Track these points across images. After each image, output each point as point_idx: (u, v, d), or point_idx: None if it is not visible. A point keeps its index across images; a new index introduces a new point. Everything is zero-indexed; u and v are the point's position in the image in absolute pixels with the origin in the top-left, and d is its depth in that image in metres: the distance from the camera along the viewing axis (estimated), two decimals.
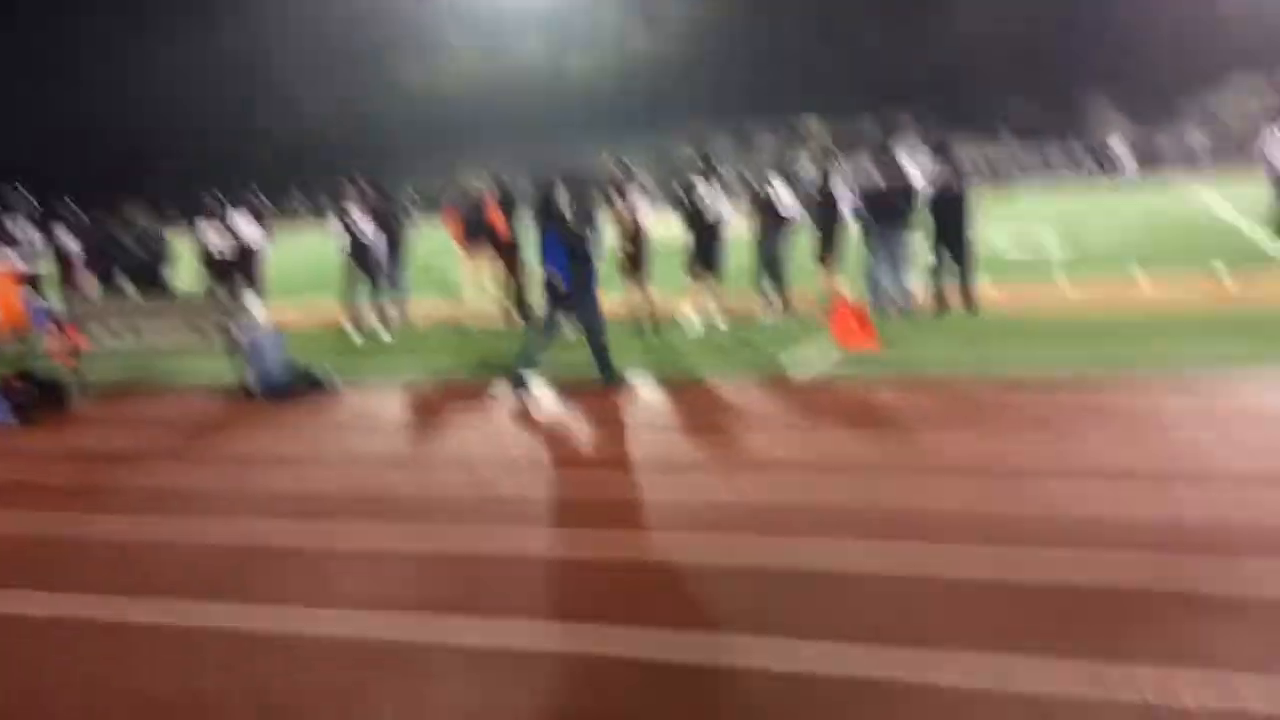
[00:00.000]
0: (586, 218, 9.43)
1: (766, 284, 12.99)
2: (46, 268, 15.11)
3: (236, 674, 4.14)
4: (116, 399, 10.31)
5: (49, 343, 10.29)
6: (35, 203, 15.30)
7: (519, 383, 9.10)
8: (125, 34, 64.06)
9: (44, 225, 15.26)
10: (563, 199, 9.23)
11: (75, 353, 10.12)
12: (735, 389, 9.10)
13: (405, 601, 4.79)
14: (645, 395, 9.06)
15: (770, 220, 12.90)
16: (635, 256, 12.71)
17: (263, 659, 4.27)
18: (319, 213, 36.01)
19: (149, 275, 14.54)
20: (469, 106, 72.24)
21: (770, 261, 12.94)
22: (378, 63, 74.07)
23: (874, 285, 12.78)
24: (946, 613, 4.32)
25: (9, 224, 14.88)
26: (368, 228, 13.64)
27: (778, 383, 9.26)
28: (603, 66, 73.17)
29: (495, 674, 4.01)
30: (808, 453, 6.94)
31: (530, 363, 9.18)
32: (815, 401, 8.42)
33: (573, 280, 9.11)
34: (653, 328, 12.56)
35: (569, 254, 9.08)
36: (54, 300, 11.55)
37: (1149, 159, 41.01)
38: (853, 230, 13.03)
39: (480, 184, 14.19)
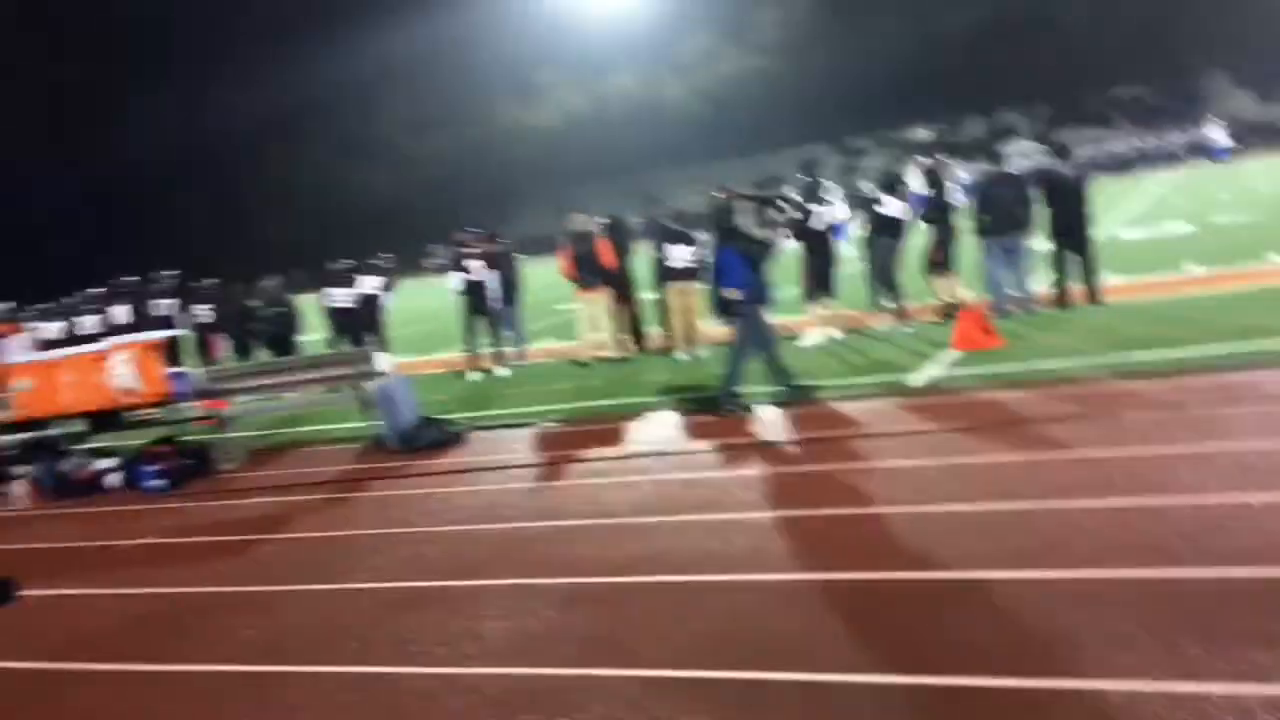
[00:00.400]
0: (766, 234, 9.51)
1: (882, 294, 12.83)
2: (184, 337, 15.80)
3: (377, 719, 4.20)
4: (259, 461, 10.67)
5: (190, 409, 10.71)
6: (175, 276, 16.02)
7: (731, 404, 9.12)
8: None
9: (181, 296, 15.96)
10: (744, 216, 9.29)
11: (216, 418, 10.51)
12: (881, 402, 8.96)
13: (547, 649, 4.80)
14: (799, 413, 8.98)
15: (881, 230, 12.73)
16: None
17: (411, 708, 4.31)
18: (430, 261, 36.79)
19: (280, 338, 15.14)
20: (571, 143, 73.35)
21: (883, 271, 12.76)
22: (482, 109, 75.73)
23: (994, 286, 12.49)
24: None
25: (150, 300, 15.62)
26: (483, 272, 13.89)
27: (912, 392, 9.08)
28: (701, 91, 73.35)
29: None
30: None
31: (737, 381, 9.23)
32: (966, 409, 8.22)
33: (751, 295, 9.14)
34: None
35: (751, 268, 9.12)
36: (192, 367, 12.07)
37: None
38: (968, 233, 12.80)
39: (587, 219, 14.33)
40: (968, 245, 12.93)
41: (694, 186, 62.85)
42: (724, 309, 9.38)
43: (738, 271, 9.17)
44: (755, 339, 9.43)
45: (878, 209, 12.67)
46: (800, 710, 3.82)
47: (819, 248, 12.73)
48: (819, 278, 12.70)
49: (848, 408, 9.07)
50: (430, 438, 9.90)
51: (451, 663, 4.72)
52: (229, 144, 65.25)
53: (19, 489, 10.10)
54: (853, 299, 13.77)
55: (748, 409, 9.22)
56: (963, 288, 12.85)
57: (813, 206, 12.68)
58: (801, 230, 12.68)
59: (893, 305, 12.78)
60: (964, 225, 12.87)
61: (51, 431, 10.76)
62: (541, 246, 51.05)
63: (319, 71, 64.39)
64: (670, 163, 70.73)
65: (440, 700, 4.35)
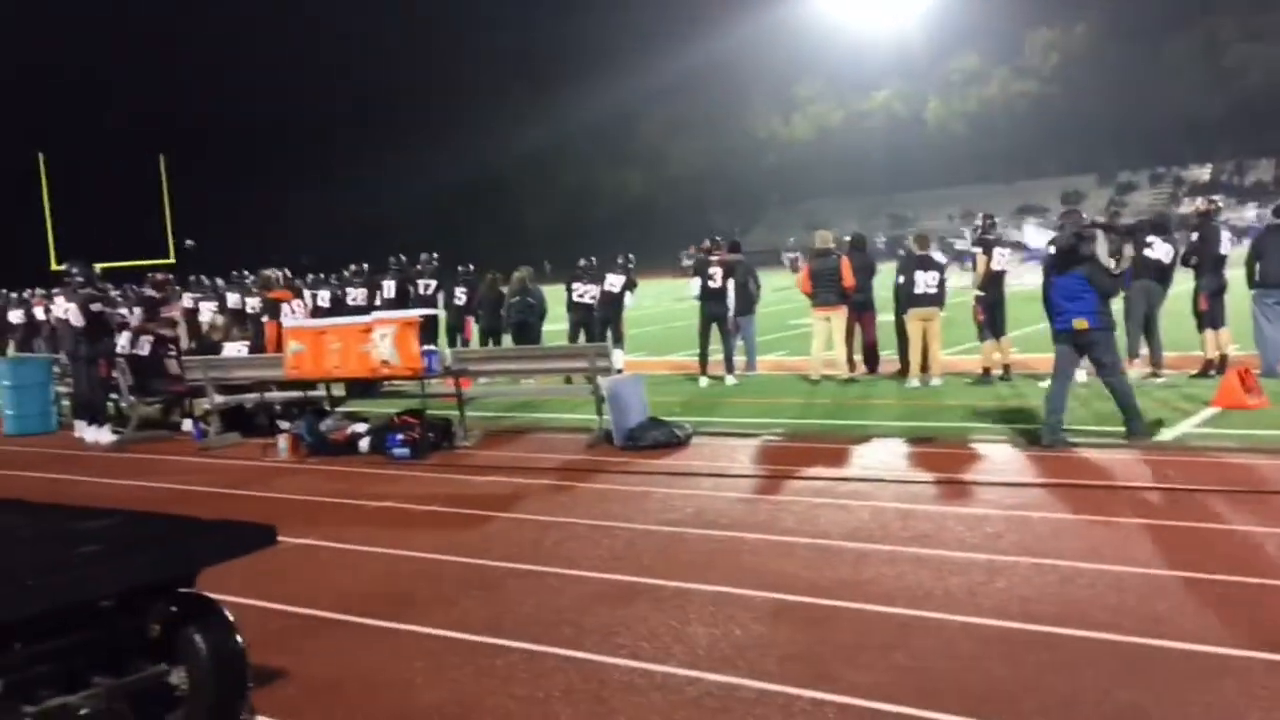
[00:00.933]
0: (1113, 261, 9.35)
1: (1140, 341, 12.15)
2: (439, 317, 16.78)
3: (592, 707, 4.38)
4: (494, 441, 11.23)
5: (437, 386, 11.41)
6: (434, 260, 17.04)
7: (1054, 437, 9.00)
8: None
9: (439, 279, 16.94)
10: (1099, 245, 9.16)
11: (459, 396, 11.14)
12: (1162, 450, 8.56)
13: (743, 654, 4.88)
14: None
15: (1145, 273, 12.04)
16: (994, 304, 12.62)
17: (614, 697, 4.49)
18: (675, 265, 37.43)
19: (526, 326, 15.84)
20: (822, 157, 72.81)
21: (1143, 317, 12.08)
22: (736, 117, 76.27)
23: (1262, 343, 11.64)
24: None
25: (413, 280, 16.69)
26: (722, 280, 14.07)
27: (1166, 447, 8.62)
28: (963, 112, 71.24)
29: None
30: None
31: (1060, 411, 9.09)
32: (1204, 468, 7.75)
33: (1100, 325, 8.98)
34: (1004, 377, 12.42)
35: (1100, 298, 8.96)
36: (443, 347, 12.85)
37: None
38: (1237, 284, 11.97)
39: (830, 235, 14.27)
40: (1239, 297, 12.10)
41: (945, 210, 61.25)
42: (1063, 336, 9.13)
43: (1088, 299, 8.92)
44: (1067, 371, 9.17)
45: (1146, 251, 11.99)
46: None
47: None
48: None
49: (1087, 455, 8.70)
50: (655, 437, 10.15)
51: (655, 660, 4.87)
52: (517, 151, 69.04)
53: (283, 442, 11.04)
54: None
55: (1069, 444, 8.92)
56: (1230, 342, 12.02)
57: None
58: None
59: (1146, 353, 12.10)
60: (1237, 275, 12.05)
61: (315, 393, 11.71)
62: (781, 259, 50.88)
63: (590, 83, 66.70)
64: (923, 184, 69.08)
65: (642, 694, 4.50)
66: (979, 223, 13.79)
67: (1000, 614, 5.21)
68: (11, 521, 5.01)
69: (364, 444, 10.76)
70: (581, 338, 14.92)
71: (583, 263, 16.08)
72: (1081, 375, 12.04)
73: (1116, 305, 12.09)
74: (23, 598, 3.58)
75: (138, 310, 13.99)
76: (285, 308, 13.77)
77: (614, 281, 15.11)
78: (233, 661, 4.19)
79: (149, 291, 15.37)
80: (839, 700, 4.32)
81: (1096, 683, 4.36)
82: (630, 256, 15.86)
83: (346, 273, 18.17)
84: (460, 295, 16.79)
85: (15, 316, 21.32)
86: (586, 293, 15.26)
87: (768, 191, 76.82)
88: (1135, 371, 11.94)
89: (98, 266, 14.12)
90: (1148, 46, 62.80)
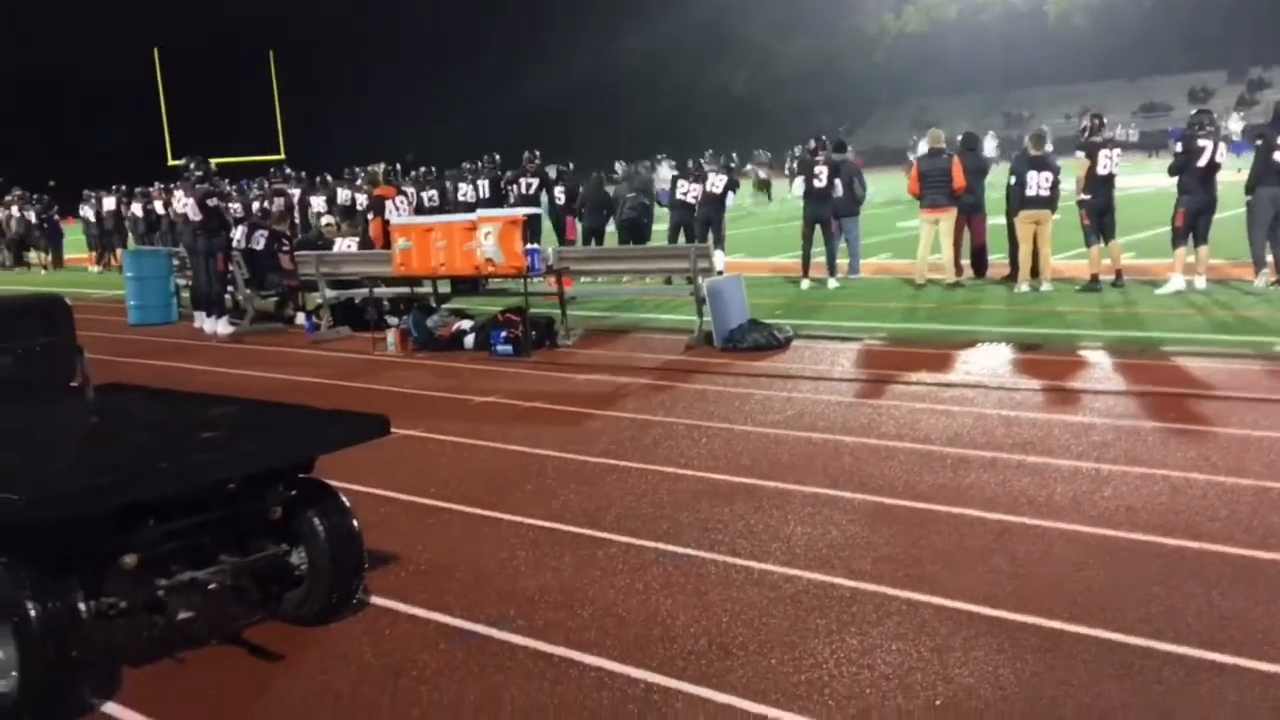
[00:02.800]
0: None
1: (1265, 248, 11.63)
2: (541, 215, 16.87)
3: (690, 599, 4.50)
4: (595, 340, 11.35)
5: (540, 284, 11.51)
6: (536, 158, 17.03)
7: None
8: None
9: (542, 178, 16.95)
10: None
11: (561, 295, 11.25)
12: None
13: (842, 557, 4.93)
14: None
15: (1269, 177, 11.45)
16: (1102, 209, 12.26)
17: (711, 591, 4.59)
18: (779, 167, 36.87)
19: (639, 226, 15.81)
20: (937, 54, 70.24)
21: (1267, 222, 11.53)
22: (845, 12, 73.87)
23: None
24: None
25: (518, 181, 16.73)
26: (827, 181, 13.82)
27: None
28: (1087, 6, 67.78)
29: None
30: None
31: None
32: None
33: None
34: (1115, 283, 12.19)
35: None
36: (548, 246, 12.95)
37: None
38: None
39: (941, 135, 13.86)
40: None
41: (1064, 109, 58.81)
42: None
43: None
44: None
45: (1275, 154, 11.39)
46: (1097, 668, 3.74)
47: (1198, 187, 11.68)
48: (1193, 219, 11.72)
49: (1199, 365, 8.46)
50: (755, 339, 10.14)
51: (752, 557, 4.96)
52: (623, 52, 68.21)
53: (391, 337, 11.33)
54: (1230, 248, 12.65)
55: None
56: None
57: (1202, 142, 11.61)
58: (1184, 164, 11.71)
59: (1272, 261, 11.59)
60: None
61: (422, 289, 11.94)
62: (891, 159, 49.77)
63: None
64: (1042, 82, 66.27)
65: (738, 589, 4.60)
66: (1085, 123, 13.22)
67: (1105, 522, 5.15)
68: (142, 407, 5.28)
69: (469, 340, 10.99)
70: (681, 238, 14.86)
71: (689, 164, 15.96)
72: (1200, 281, 11.67)
73: (1241, 212, 11.64)
74: (155, 479, 3.80)
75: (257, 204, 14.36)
76: (389, 204, 13.99)
77: (715, 182, 14.96)
78: (349, 543, 4.40)
79: (273, 186, 15.72)
80: (935, 601, 4.35)
81: (1201, 593, 4.30)
82: (733, 156, 15.67)
83: (450, 171, 18.30)
84: (559, 194, 16.81)
85: (135, 211, 22.10)
86: (689, 192, 15.15)
87: (876, 90, 74.63)
88: (1261, 280, 11.49)
89: (213, 162, 14.45)
90: None
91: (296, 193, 19.59)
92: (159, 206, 21.46)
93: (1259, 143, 11.50)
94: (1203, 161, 11.58)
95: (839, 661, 3.89)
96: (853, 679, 3.76)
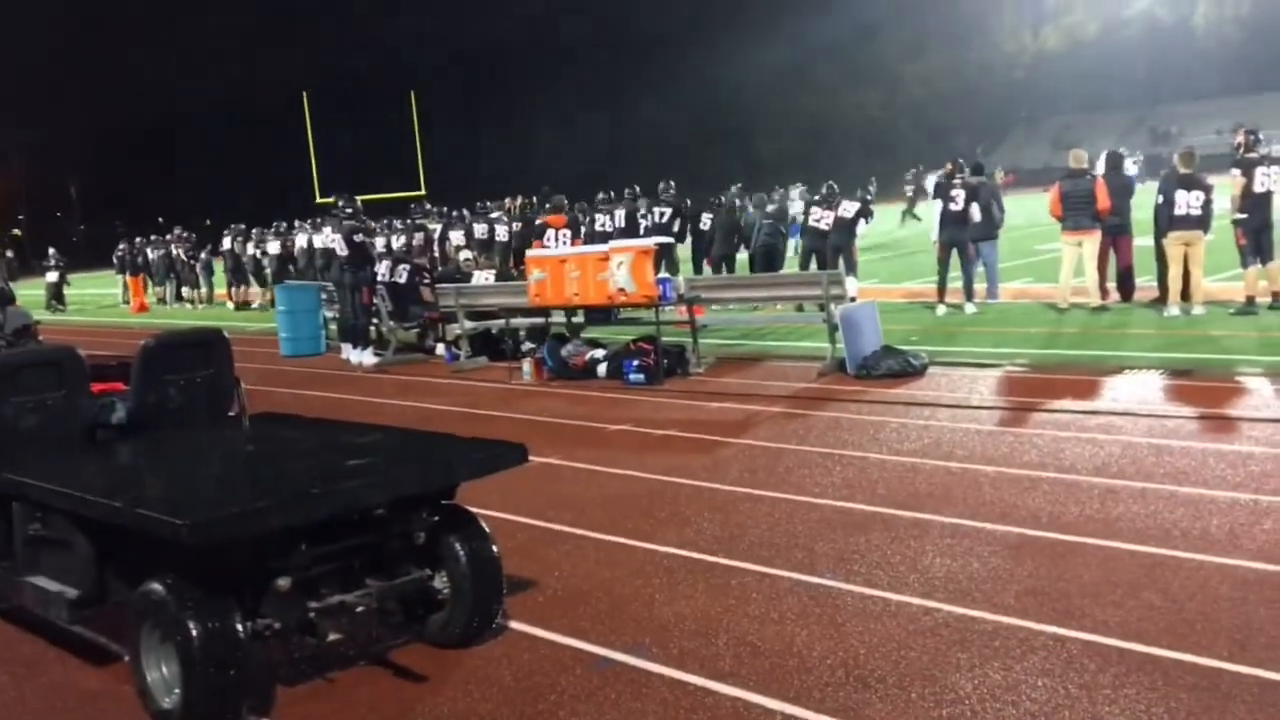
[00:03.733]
0: None
1: None
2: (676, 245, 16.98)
3: (826, 630, 4.45)
4: (726, 368, 11.36)
5: (672, 313, 11.58)
6: (671, 188, 17.15)
7: None
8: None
9: (676, 207, 17.06)
10: None
11: (694, 323, 11.30)
12: None
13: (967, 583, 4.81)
14: None
15: None
16: (1259, 228, 11.79)
17: (848, 622, 4.54)
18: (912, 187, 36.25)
19: (767, 254, 15.82)
20: (1077, 71, 68.23)
21: None
22: (981, 31, 72.46)
23: None
24: None
25: (651, 211, 16.88)
26: (964, 204, 13.56)
27: None
28: (1235, 17, 64.93)
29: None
30: None
31: None
32: None
33: None
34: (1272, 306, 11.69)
35: None
36: (675, 276, 13.03)
37: None
38: None
39: (1084, 155, 13.47)
40: None
41: (1214, 125, 56.34)
42: None
43: None
44: None
45: None
46: (1258, 709, 3.56)
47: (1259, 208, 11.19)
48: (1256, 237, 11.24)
49: None
50: (890, 367, 9.99)
51: (890, 588, 4.88)
52: (755, 77, 68.41)
53: (527, 366, 11.56)
54: None
55: None
56: None
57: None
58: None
59: None
60: None
61: (556, 319, 12.16)
62: (1031, 180, 48.48)
63: (830, 3, 64.78)
64: (1189, 97, 63.65)
65: (876, 621, 4.53)
66: (1239, 140, 12.66)
67: (1265, 557, 4.90)
68: (294, 435, 5.52)
69: (602, 369, 11.12)
70: (813, 265, 14.77)
71: (823, 189, 15.91)
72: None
73: None
74: (308, 503, 3.97)
75: (400, 239, 14.82)
76: (550, 233, 14.29)
77: (848, 207, 14.84)
78: (489, 568, 4.50)
79: (417, 221, 16.23)
80: (1082, 637, 4.21)
81: None
82: (871, 184, 15.54)
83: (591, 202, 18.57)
84: (705, 221, 16.93)
85: (273, 248, 23.01)
86: (822, 219, 15.07)
87: (1014, 109, 72.85)
88: None
89: (359, 199, 15.04)
90: None
91: (437, 228, 20.18)
92: (301, 240, 22.32)
93: None
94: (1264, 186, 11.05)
95: (982, 697, 3.80)
96: (996, 715, 3.66)
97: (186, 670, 3.79)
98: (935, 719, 3.67)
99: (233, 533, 3.81)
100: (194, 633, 3.74)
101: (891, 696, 3.85)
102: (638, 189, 18.46)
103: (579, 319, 12.04)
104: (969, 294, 13.74)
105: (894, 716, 3.71)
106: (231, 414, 5.71)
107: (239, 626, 3.85)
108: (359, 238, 13.80)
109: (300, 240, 22.42)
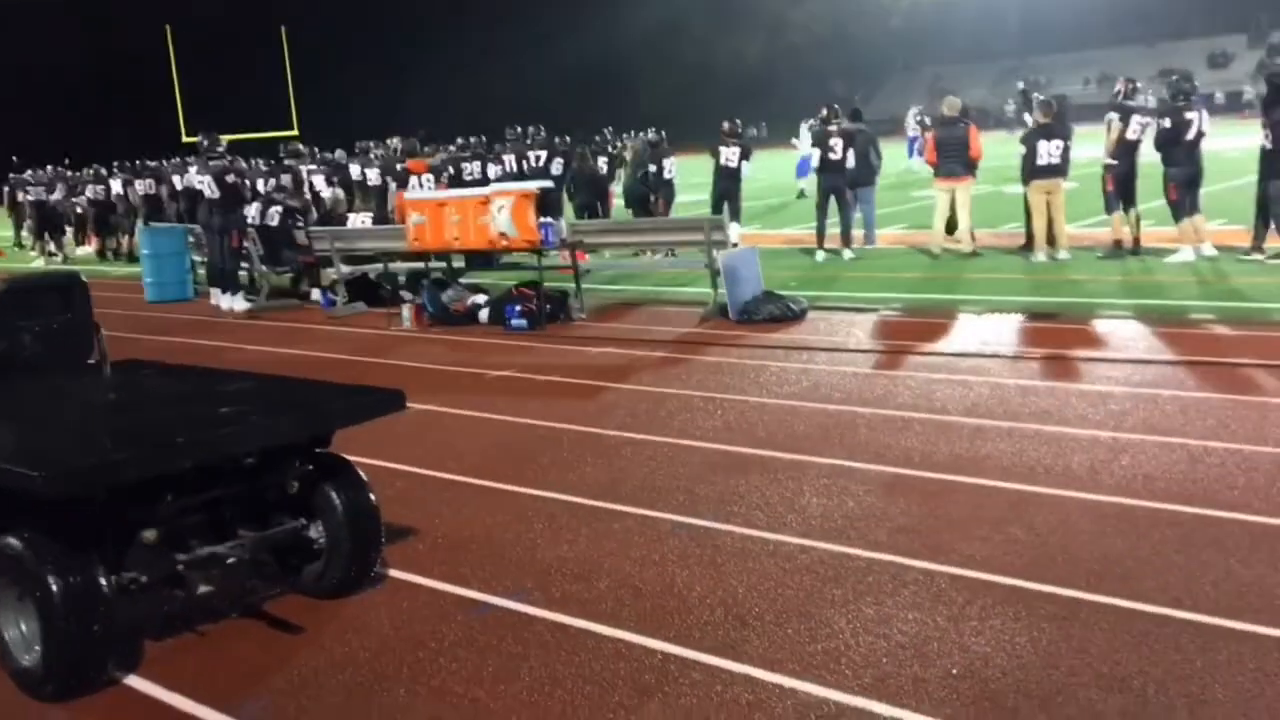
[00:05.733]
0: None
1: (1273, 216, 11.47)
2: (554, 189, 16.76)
3: (706, 570, 4.51)
4: (608, 313, 11.35)
5: (554, 258, 11.50)
6: (541, 132, 16.93)
7: None
8: None
9: (552, 153, 16.87)
10: None
11: (575, 268, 11.23)
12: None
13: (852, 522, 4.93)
14: None
15: None
16: (1126, 175, 12.21)
17: (728, 562, 4.61)
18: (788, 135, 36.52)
19: (642, 199, 15.78)
20: (952, 19, 69.44)
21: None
22: None
23: None
24: None
25: (526, 157, 16.65)
26: (841, 151, 13.71)
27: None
28: None
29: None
30: None
31: None
32: None
33: None
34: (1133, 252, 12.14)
35: None
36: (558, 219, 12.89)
37: None
38: None
39: (958, 102, 13.73)
40: None
41: (1081, 74, 58.20)
42: None
43: None
44: None
45: None
46: (1115, 636, 3.74)
47: (1185, 159, 11.59)
48: (1188, 189, 11.65)
49: (1216, 333, 8.41)
50: (769, 311, 10.11)
51: (768, 528, 4.97)
52: (635, 27, 67.66)
53: (406, 312, 11.34)
54: (1240, 215, 12.51)
55: None
56: None
57: (1189, 115, 11.50)
58: (1172, 137, 11.60)
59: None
60: None
61: (436, 264, 11.94)
62: (903, 128, 49.21)
63: None
64: (1058, 47, 65.44)
65: (755, 560, 4.61)
66: (1119, 87, 13.09)
67: (1122, 491, 5.14)
68: (159, 383, 5.31)
69: (483, 315, 10.99)
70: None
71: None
72: (1207, 248, 11.57)
73: (1237, 183, 11.49)
74: (173, 453, 3.82)
75: (273, 181, 14.28)
76: (413, 180, 13.95)
77: (729, 155, 14.85)
78: (367, 517, 4.42)
79: (286, 162, 15.66)
80: (951, 571, 4.35)
81: (1220, 561, 4.29)
82: (737, 122, 15.38)
83: (454, 147, 18.21)
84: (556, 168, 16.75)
85: (142, 187, 21.93)
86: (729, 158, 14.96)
87: (891, 58, 73.92)
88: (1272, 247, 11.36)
89: (225, 138, 14.44)
90: None
91: (305, 169, 19.53)
92: (176, 181, 21.33)
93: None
94: (1190, 134, 11.49)
95: (855, 631, 3.90)
96: (869, 648, 3.77)
97: (46, 627, 3.64)
98: (811, 653, 3.76)
99: (92, 484, 3.65)
100: (53, 588, 3.58)
101: (769, 633, 3.93)
102: (520, 129, 18.12)
103: (460, 264, 11.85)
104: (846, 240, 13.96)
105: (771, 652, 3.78)
106: (91, 361, 5.45)
107: (101, 580, 3.70)
108: (231, 178, 13.29)
109: (133, 185, 21.20)
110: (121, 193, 22.02)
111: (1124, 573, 4.24)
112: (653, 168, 16.16)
